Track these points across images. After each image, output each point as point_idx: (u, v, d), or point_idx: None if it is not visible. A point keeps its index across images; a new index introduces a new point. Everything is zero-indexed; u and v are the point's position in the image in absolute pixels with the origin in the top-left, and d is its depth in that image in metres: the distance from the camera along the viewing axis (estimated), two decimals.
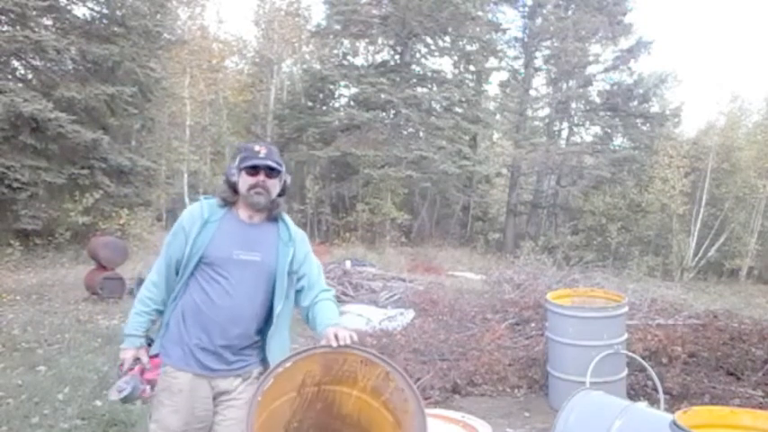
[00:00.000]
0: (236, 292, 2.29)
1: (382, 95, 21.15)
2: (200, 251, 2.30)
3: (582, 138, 28.50)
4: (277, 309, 2.34)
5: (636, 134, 26.47)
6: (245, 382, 2.35)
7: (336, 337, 2.12)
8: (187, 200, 22.10)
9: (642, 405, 3.23)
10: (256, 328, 2.37)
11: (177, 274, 2.35)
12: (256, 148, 2.37)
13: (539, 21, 26.48)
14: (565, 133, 28.92)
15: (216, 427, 2.33)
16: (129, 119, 15.91)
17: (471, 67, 25.88)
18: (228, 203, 2.40)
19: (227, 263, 2.30)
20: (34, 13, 13.24)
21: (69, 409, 4.10)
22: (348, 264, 11.48)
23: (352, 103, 24.30)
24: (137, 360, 2.37)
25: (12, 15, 12.95)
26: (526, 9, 26.74)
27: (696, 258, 24.90)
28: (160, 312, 2.40)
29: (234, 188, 2.37)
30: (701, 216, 24.99)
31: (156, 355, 2.37)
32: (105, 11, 15.13)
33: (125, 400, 2.33)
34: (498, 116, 28.83)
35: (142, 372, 2.37)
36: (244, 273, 2.31)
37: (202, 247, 2.30)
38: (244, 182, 2.33)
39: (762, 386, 5.11)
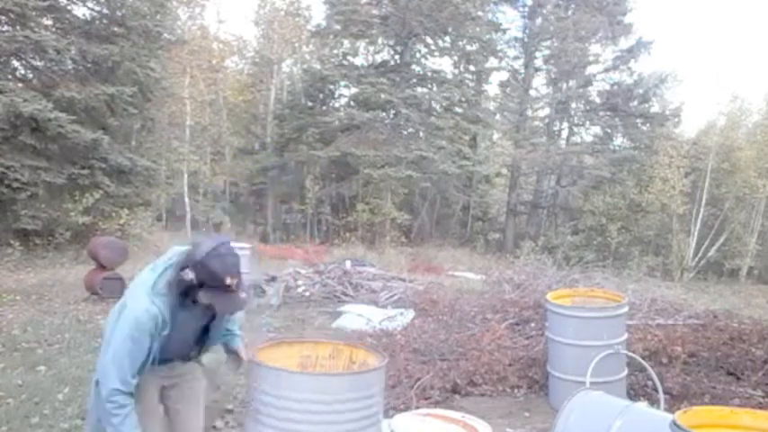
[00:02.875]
0: None
1: (382, 95, 21.15)
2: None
3: (582, 138, 28.52)
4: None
5: (636, 134, 26.47)
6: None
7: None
8: (187, 200, 22.11)
9: (642, 405, 3.23)
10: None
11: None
12: (228, 281, 2.25)
13: (539, 21, 26.48)
14: (565, 133, 28.93)
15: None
16: (129, 119, 15.91)
17: (471, 67, 25.89)
18: None
19: None
20: (34, 13, 13.24)
21: (69, 409, 4.09)
22: (348, 264, 11.48)
23: (352, 103, 24.31)
24: None
25: (12, 15, 12.95)
26: (526, 9, 26.76)
27: (696, 258, 24.90)
28: None
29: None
30: (701, 216, 24.99)
31: None
32: (105, 11, 15.14)
33: None
34: (498, 116, 28.83)
35: None
36: None
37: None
38: (208, 300, 2.30)
39: (762, 386, 5.11)
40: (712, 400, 4.80)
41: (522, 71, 27.26)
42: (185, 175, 22.32)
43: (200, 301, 2.28)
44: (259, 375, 2.63)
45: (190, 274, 2.22)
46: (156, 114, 19.04)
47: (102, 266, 8.50)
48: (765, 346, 5.65)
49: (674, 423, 2.14)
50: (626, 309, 4.84)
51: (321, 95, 25.35)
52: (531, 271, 8.82)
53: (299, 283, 9.79)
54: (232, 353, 2.70)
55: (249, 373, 2.72)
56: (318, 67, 25.19)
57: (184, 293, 2.28)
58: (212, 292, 2.25)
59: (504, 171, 29.18)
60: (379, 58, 25.64)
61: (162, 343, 2.33)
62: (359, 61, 25.35)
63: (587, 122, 27.93)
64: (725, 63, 51.21)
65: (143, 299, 2.28)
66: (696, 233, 24.91)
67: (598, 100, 26.70)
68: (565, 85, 27.14)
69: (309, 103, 24.97)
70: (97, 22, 15.08)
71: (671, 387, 4.90)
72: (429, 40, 23.94)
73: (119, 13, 14.77)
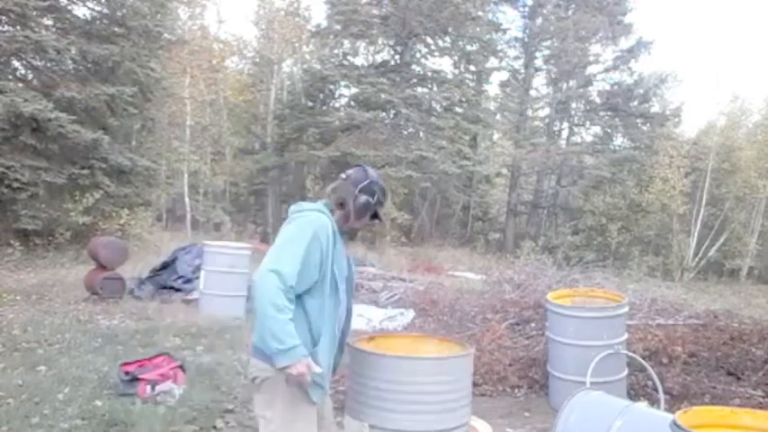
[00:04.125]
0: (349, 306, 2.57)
1: (382, 95, 21.14)
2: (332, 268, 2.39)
3: (582, 138, 28.53)
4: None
5: (636, 134, 26.46)
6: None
7: None
8: (187, 200, 22.10)
9: (642, 405, 3.23)
10: None
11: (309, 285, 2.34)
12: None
13: (539, 21, 26.49)
14: (565, 133, 28.94)
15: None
16: (129, 119, 15.90)
17: (471, 67, 25.87)
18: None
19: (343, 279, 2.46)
20: (34, 13, 13.24)
21: (69, 409, 4.09)
22: None
23: (352, 103, 24.30)
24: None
25: (12, 15, 12.95)
26: (526, 9, 26.77)
27: (696, 258, 24.90)
28: None
29: (356, 217, 2.46)
30: (701, 216, 24.98)
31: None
32: (105, 11, 15.14)
33: None
34: (498, 116, 28.83)
35: None
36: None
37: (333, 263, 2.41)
38: (362, 219, 2.49)
39: (762, 386, 5.11)
40: (712, 400, 4.81)
41: (523, 71, 27.26)
42: (185, 175, 22.32)
43: (355, 220, 2.44)
44: (361, 362, 2.94)
45: (366, 199, 2.44)
46: (157, 114, 19.03)
47: (102, 266, 8.51)
48: (765, 346, 5.65)
49: (675, 423, 2.14)
50: (626, 309, 4.84)
51: (321, 95, 25.34)
52: (532, 271, 8.81)
53: None
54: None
55: (351, 360, 2.99)
56: (318, 67, 25.18)
57: (347, 214, 2.44)
58: (380, 208, 2.51)
59: (505, 171, 29.17)
60: (379, 58, 25.64)
61: (333, 264, 2.35)
62: (359, 61, 25.37)
63: (587, 122, 27.93)
64: (725, 63, 51.22)
65: (311, 213, 2.38)
66: (696, 233, 24.90)
67: (598, 100, 26.70)
68: (565, 85, 27.14)
69: (309, 103, 24.96)
70: (97, 22, 15.07)
71: (671, 387, 4.90)
72: (429, 40, 23.94)
73: (119, 13, 14.76)
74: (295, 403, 2.29)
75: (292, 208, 2.47)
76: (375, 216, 2.52)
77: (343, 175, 2.51)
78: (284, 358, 2.16)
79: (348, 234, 2.54)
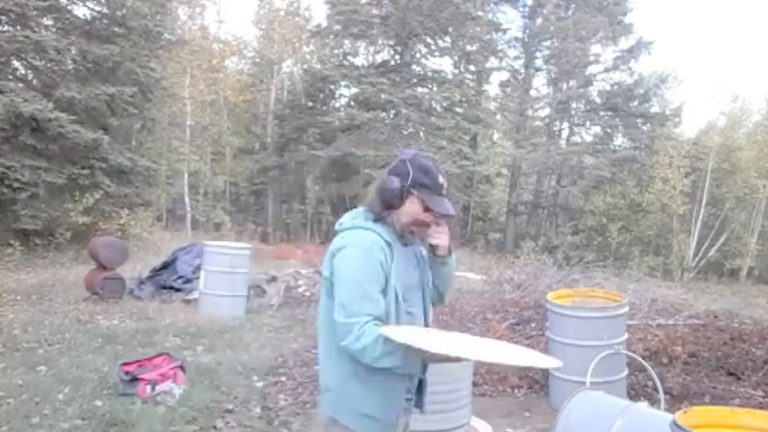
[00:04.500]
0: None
1: (382, 95, 21.14)
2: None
3: (582, 138, 28.51)
4: None
5: (636, 134, 26.46)
6: None
7: None
8: (187, 200, 22.10)
9: (642, 405, 3.23)
10: None
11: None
12: (441, 179, 2.01)
13: (539, 21, 26.47)
14: (565, 133, 28.95)
15: None
16: (129, 119, 15.92)
17: (471, 67, 25.88)
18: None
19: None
20: (35, 13, 13.24)
21: (70, 409, 4.09)
22: None
23: (352, 103, 24.30)
24: None
25: (12, 15, 12.95)
26: (526, 9, 26.76)
27: (696, 258, 24.89)
28: None
29: (391, 205, 1.99)
30: (701, 216, 24.98)
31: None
32: (105, 11, 15.14)
33: None
34: (498, 116, 28.82)
35: None
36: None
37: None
38: (412, 211, 1.99)
39: (762, 386, 5.11)
40: (713, 400, 4.81)
41: (523, 71, 27.26)
42: (185, 175, 22.33)
43: (406, 217, 1.98)
44: None
45: (396, 181, 1.96)
46: (157, 114, 19.03)
47: (102, 266, 8.51)
48: (766, 346, 5.65)
49: (675, 423, 2.14)
50: (626, 309, 4.84)
51: (321, 95, 25.36)
52: (532, 271, 8.82)
53: (300, 282, 9.80)
54: None
55: None
56: (319, 67, 25.19)
57: (386, 206, 1.98)
58: (426, 193, 1.98)
59: (505, 171, 29.18)
60: (379, 58, 25.64)
61: (396, 279, 1.95)
62: (359, 61, 25.38)
63: (587, 122, 27.92)
64: (725, 63, 51.22)
65: (355, 232, 1.97)
66: (696, 233, 24.90)
67: (598, 100, 26.69)
68: (565, 85, 27.14)
69: (310, 103, 24.98)
70: (97, 22, 15.08)
71: (671, 387, 4.90)
72: (429, 40, 23.93)
73: (119, 13, 14.77)
74: None
75: (338, 226, 2.07)
76: (426, 206, 1.98)
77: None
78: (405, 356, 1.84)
79: (405, 237, 2.04)
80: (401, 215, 1.99)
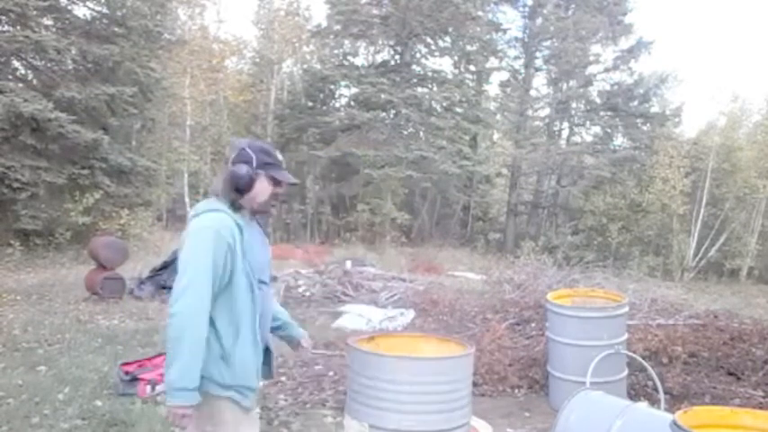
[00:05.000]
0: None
1: (382, 95, 21.15)
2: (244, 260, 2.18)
3: (582, 138, 28.51)
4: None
5: (636, 134, 26.46)
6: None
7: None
8: (187, 200, 22.10)
9: (642, 405, 3.24)
10: None
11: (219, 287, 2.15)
12: (278, 155, 2.26)
13: (539, 21, 26.48)
14: (565, 133, 28.95)
15: None
16: (129, 119, 15.92)
17: (471, 67, 25.89)
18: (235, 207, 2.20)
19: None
20: (35, 12, 13.24)
21: (70, 409, 4.10)
22: (348, 264, 11.49)
23: (352, 103, 24.31)
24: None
25: (12, 15, 12.96)
26: (526, 9, 26.76)
27: (696, 258, 24.89)
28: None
29: (244, 190, 2.17)
30: (701, 216, 24.97)
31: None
32: (106, 11, 15.15)
33: None
34: (498, 116, 28.83)
35: None
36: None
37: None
38: (265, 189, 2.21)
39: (762, 386, 5.10)
40: (713, 400, 4.80)
41: (523, 71, 27.26)
42: (186, 175, 22.33)
43: (258, 195, 2.19)
44: (361, 362, 2.95)
45: (243, 167, 2.15)
46: (157, 114, 19.03)
47: (102, 266, 8.51)
48: (766, 346, 5.64)
49: (675, 423, 2.14)
50: (626, 309, 4.84)
51: (321, 95, 25.37)
52: (532, 271, 8.80)
53: (300, 282, 9.80)
54: (294, 341, 2.71)
55: (352, 360, 3.03)
56: (319, 67, 25.21)
57: (239, 191, 2.16)
58: (273, 169, 2.21)
59: (505, 171, 29.18)
60: (379, 58, 25.66)
61: (246, 257, 2.14)
62: (359, 61, 25.41)
63: (588, 122, 27.92)
64: (725, 63, 51.23)
65: (205, 215, 2.14)
66: (696, 233, 24.89)
67: (598, 100, 26.69)
68: (565, 85, 27.14)
69: (310, 103, 24.98)
70: (97, 22, 15.08)
71: (671, 387, 4.90)
72: (429, 40, 23.95)
73: (119, 14, 14.78)
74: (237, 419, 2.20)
75: (190, 213, 2.25)
76: (275, 181, 2.22)
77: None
78: (181, 398, 2.08)
79: (260, 213, 2.29)
80: (257, 196, 2.20)
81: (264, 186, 2.20)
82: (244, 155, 2.17)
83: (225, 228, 2.09)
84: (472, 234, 27.04)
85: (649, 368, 4.71)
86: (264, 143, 2.31)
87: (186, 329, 2.06)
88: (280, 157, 2.26)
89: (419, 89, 22.90)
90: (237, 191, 2.16)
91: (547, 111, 28.02)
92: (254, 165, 2.16)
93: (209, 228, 2.08)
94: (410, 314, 7.79)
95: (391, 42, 23.92)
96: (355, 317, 7.69)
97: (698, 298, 11.03)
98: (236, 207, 2.18)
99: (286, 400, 4.65)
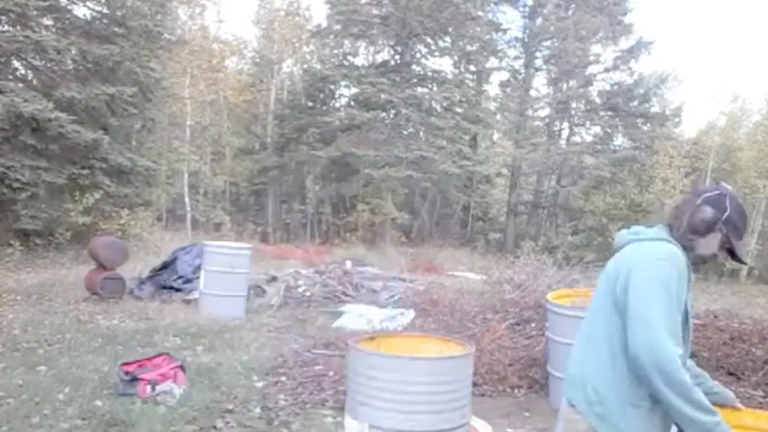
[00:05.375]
0: None
1: (382, 95, 21.15)
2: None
3: (582, 138, 28.51)
4: None
5: (636, 134, 26.46)
6: None
7: None
8: (187, 200, 22.10)
9: None
10: None
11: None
12: (746, 229, 2.04)
13: (539, 21, 26.48)
14: (565, 133, 28.94)
15: None
16: (129, 119, 15.91)
17: (471, 67, 25.89)
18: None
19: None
20: (35, 13, 13.24)
21: (70, 409, 4.09)
22: (348, 264, 11.49)
23: (352, 103, 24.31)
24: None
25: (12, 15, 12.95)
26: (526, 9, 26.77)
27: None
28: None
29: (696, 233, 1.96)
30: None
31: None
32: (106, 11, 15.14)
33: None
34: (498, 116, 28.83)
35: None
36: None
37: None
38: (712, 246, 1.99)
39: (762, 386, 5.11)
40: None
41: (523, 71, 27.26)
42: (185, 175, 22.32)
43: (706, 249, 1.98)
44: (361, 362, 2.96)
45: (710, 212, 1.93)
46: (157, 114, 19.02)
47: (102, 266, 8.51)
48: (766, 346, 5.64)
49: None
50: None
51: (321, 95, 25.36)
52: (532, 271, 8.81)
53: (300, 283, 9.80)
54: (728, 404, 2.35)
55: (352, 360, 3.03)
56: (319, 67, 25.20)
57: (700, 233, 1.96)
58: (735, 235, 1.97)
59: (505, 171, 29.18)
60: (379, 58, 25.65)
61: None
62: (359, 61, 25.40)
63: (588, 122, 27.91)
64: (725, 63, 51.24)
65: (657, 244, 1.95)
66: None
67: (598, 100, 26.69)
68: (565, 85, 27.14)
69: (310, 103, 24.98)
70: (97, 22, 15.07)
71: None
72: (429, 40, 23.94)
73: (119, 13, 14.77)
74: None
75: (628, 235, 2.06)
76: (730, 251, 1.99)
77: (689, 189, 2.09)
78: None
79: (694, 265, 2.02)
80: (700, 245, 1.98)
81: (712, 243, 1.98)
82: (718, 200, 1.96)
83: (681, 265, 1.93)
84: (472, 234, 27.05)
85: None
86: (745, 206, 2.05)
87: (671, 391, 1.87)
88: (745, 230, 2.03)
89: (419, 89, 22.89)
90: (690, 228, 1.97)
91: (547, 111, 28.02)
92: (723, 218, 1.95)
93: (673, 265, 1.91)
94: (410, 314, 7.80)
95: (391, 42, 23.91)
96: (355, 317, 7.70)
97: (698, 298, 11.03)
98: (683, 242, 1.99)
99: (286, 400, 4.65)
